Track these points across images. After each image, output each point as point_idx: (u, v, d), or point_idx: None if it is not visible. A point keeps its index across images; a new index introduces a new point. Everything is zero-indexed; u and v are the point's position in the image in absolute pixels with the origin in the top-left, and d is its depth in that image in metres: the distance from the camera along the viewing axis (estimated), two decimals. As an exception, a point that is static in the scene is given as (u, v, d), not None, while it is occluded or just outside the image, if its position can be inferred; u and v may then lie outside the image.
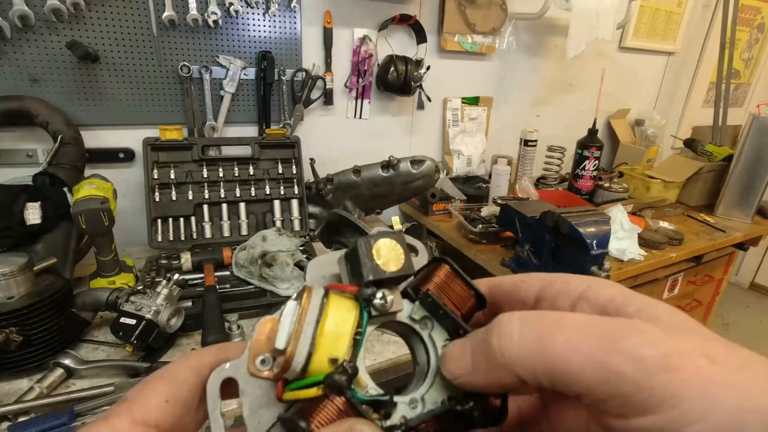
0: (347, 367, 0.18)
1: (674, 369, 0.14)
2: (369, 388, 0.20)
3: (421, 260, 0.24)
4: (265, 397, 0.19)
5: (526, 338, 0.17)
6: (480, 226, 1.28)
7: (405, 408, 0.20)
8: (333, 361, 0.18)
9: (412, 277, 0.22)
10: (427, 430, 0.20)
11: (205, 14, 1.12)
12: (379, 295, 0.20)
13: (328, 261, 0.23)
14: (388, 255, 0.20)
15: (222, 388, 0.19)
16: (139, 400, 0.19)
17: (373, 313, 0.20)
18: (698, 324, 0.17)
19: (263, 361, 0.19)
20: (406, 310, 0.22)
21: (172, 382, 0.19)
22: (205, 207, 1.14)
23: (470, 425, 0.20)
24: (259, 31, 1.22)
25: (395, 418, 0.20)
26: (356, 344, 0.19)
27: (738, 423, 0.13)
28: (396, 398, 0.20)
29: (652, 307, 0.18)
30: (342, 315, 0.19)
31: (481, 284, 0.23)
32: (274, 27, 1.23)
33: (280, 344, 0.18)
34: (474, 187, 1.62)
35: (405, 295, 0.22)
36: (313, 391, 0.18)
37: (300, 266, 0.98)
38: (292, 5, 1.22)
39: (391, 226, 1.41)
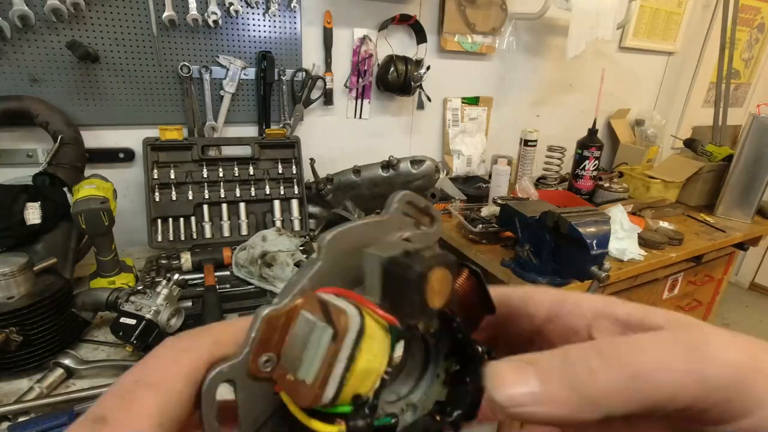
0: (369, 409, 0.17)
1: (764, 362, 0.15)
2: (379, 414, 0.19)
3: (435, 232, 0.23)
4: (261, 392, 0.18)
5: (613, 372, 0.15)
6: (480, 226, 1.28)
7: (400, 419, 0.20)
8: (356, 397, 0.17)
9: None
10: None
11: (205, 14, 1.12)
12: (421, 325, 0.18)
13: (351, 238, 0.20)
14: (438, 289, 0.17)
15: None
16: (124, 421, 0.15)
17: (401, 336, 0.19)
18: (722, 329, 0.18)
19: (267, 361, 0.17)
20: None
21: (166, 397, 0.16)
22: (205, 207, 1.14)
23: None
24: (259, 31, 1.22)
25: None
26: (382, 383, 0.18)
27: None
28: (393, 410, 0.20)
29: (673, 315, 0.17)
30: (375, 351, 0.17)
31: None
32: (274, 27, 1.23)
33: (305, 376, 0.16)
34: (474, 187, 1.62)
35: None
36: (335, 430, 0.16)
37: (300, 266, 0.98)
38: (292, 5, 1.22)
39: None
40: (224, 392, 0.17)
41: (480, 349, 0.20)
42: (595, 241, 0.94)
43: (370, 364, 0.17)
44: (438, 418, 0.20)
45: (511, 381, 0.16)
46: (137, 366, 0.17)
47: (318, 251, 0.19)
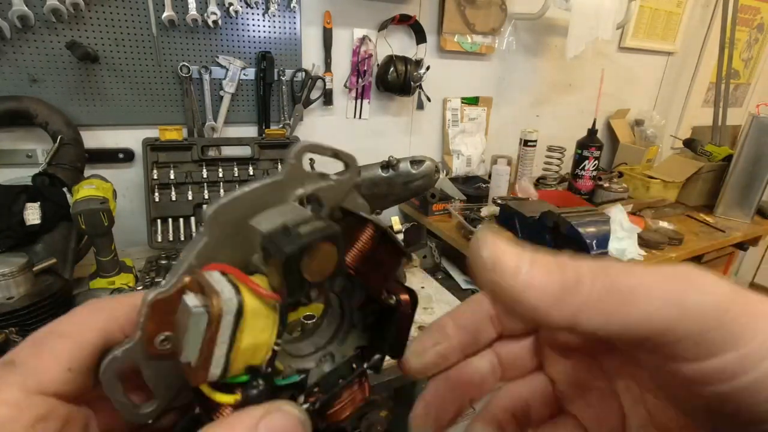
0: (263, 378, 0.17)
1: (745, 303, 0.14)
2: (287, 372, 0.19)
3: (347, 179, 0.22)
4: (173, 370, 0.17)
5: (600, 285, 0.15)
6: (480, 226, 1.28)
7: (315, 371, 0.21)
8: (249, 368, 0.17)
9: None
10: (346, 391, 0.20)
11: (205, 14, 1.12)
12: (302, 299, 0.18)
13: (241, 206, 0.19)
14: (318, 263, 0.17)
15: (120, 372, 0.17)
16: (34, 365, 0.15)
17: (292, 307, 0.19)
18: None
19: (164, 340, 0.17)
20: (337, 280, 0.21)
21: (76, 345, 0.16)
22: (205, 207, 1.14)
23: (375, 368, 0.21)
24: (259, 31, 1.22)
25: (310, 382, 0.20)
26: (274, 354, 0.18)
27: None
28: (307, 365, 0.20)
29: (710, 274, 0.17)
30: (260, 326, 0.17)
31: (485, 297, 0.23)
32: (274, 27, 1.23)
33: (190, 358, 0.16)
34: (474, 187, 1.62)
35: None
36: (231, 399, 0.17)
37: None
38: (292, 5, 1.22)
39: (391, 227, 1.41)
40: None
41: (392, 298, 0.21)
42: (594, 241, 0.94)
43: (255, 340, 0.17)
44: (354, 365, 0.21)
45: (502, 250, 0.15)
46: (53, 321, 0.17)
47: (204, 225, 0.18)
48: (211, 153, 1.19)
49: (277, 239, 0.17)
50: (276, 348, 0.18)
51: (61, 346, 0.16)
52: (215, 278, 0.17)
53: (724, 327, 0.14)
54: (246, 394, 0.17)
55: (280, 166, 1.21)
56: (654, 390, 0.18)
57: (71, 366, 0.16)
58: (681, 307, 0.14)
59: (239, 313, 0.16)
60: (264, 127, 1.28)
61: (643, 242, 1.29)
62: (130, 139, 1.17)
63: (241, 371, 0.17)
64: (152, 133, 1.13)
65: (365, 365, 0.21)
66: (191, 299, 0.16)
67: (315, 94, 1.35)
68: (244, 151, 1.21)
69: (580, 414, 0.22)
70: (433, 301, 1.08)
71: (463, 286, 1.20)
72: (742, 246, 1.67)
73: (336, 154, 0.22)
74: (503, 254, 0.15)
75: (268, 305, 0.17)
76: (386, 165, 1.25)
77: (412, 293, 0.22)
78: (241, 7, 1.16)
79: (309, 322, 0.21)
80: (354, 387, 0.21)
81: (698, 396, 0.15)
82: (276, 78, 1.26)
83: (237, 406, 0.17)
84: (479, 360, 0.23)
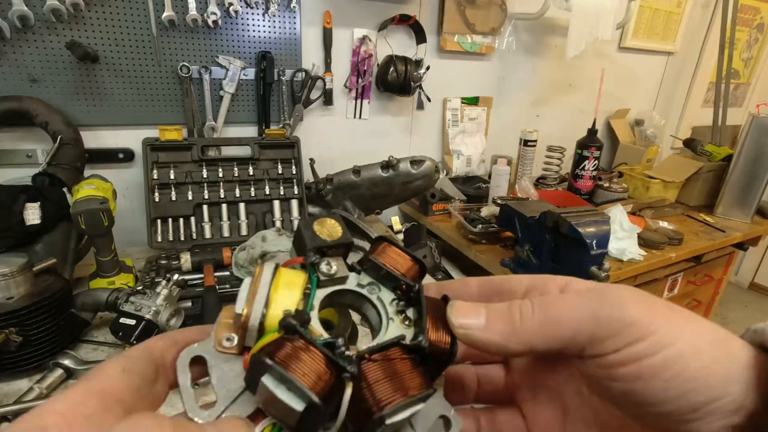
0: (300, 312, 0.20)
1: (647, 307, 0.20)
2: (323, 336, 0.21)
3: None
4: (232, 372, 0.21)
5: (537, 316, 0.21)
6: (480, 226, 1.28)
7: (365, 346, 0.22)
8: (287, 313, 0.20)
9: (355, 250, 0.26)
10: (387, 359, 0.21)
11: (205, 14, 1.12)
12: (324, 261, 0.24)
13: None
14: (326, 230, 0.24)
15: (191, 366, 0.21)
16: (96, 373, 0.19)
17: (321, 277, 0.23)
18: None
19: (228, 339, 0.21)
20: (353, 280, 0.25)
21: (127, 358, 0.20)
22: (205, 207, 1.14)
23: (422, 359, 0.22)
24: (259, 31, 1.22)
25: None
26: (306, 298, 0.22)
27: (694, 351, 0.19)
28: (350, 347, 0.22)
29: (628, 290, 0.22)
30: (291, 278, 0.22)
31: (473, 281, 0.27)
32: (274, 27, 1.23)
33: (239, 308, 0.20)
34: (474, 187, 1.62)
35: (351, 269, 0.25)
36: (273, 335, 0.20)
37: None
38: (292, 5, 1.22)
39: (391, 227, 1.41)
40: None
41: (414, 284, 0.24)
42: (594, 241, 0.94)
43: (288, 286, 0.22)
44: (402, 340, 0.23)
45: (466, 312, 0.23)
46: None
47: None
48: (211, 153, 1.19)
49: (300, 223, 0.25)
50: (307, 292, 0.22)
51: (116, 359, 0.20)
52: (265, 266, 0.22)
53: (630, 328, 0.19)
54: (282, 323, 0.19)
55: (279, 167, 1.21)
56: (598, 390, 0.23)
57: (124, 368, 0.19)
58: (596, 320, 0.20)
59: (275, 271, 0.22)
60: (264, 127, 1.28)
61: (643, 242, 1.29)
62: (130, 139, 1.17)
63: (280, 315, 0.20)
64: (152, 133, 1.13)
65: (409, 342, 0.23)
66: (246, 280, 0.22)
67: (315, 94, 1.35)
68: (244, 151, 1.21)
69: (525, 406, 0.27)
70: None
71: (463, 286, 1.20)
72: (742, 246, 1.67)
73: (352, 225, 0.29)
74: (468, 319, 0.22)
75: (298, 269, 0.23)
76: (386, 165, 1.25)
77: (420, 264, 0.26)
78: (241, 7, 1.16)
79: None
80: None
81: (620, 379, 0.20)
82: (276, 78, 1.26)
83: (281, 343, 0.19)
84: None
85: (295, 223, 1.22)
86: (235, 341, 0.21)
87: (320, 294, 0.23)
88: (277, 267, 0.22)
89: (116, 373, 0.19)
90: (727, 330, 0.20)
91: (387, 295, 0.24)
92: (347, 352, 0.20)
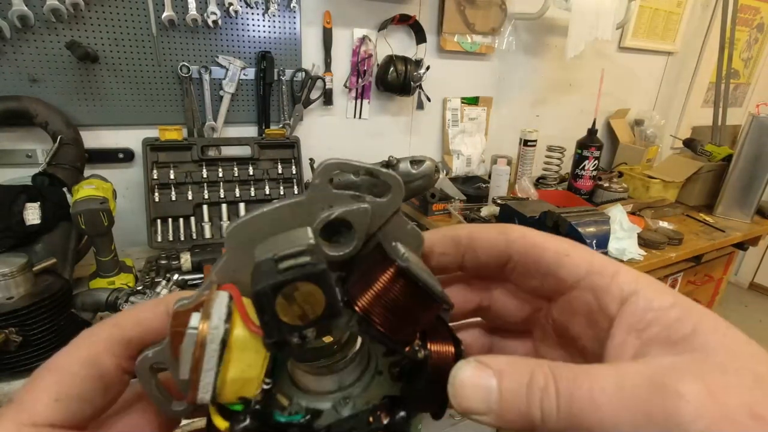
0: (254, 414, 0.17)
1: (574, 249, 0.18)
2: (292, 399, 0.18)
3: (388, 202, 0.20)
4: None
5: (562, 421, 0.15)
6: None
7: (331, 413, 0.18)
8: (242, 399, 0.17)
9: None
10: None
11: (205, 14, 1.12)
12: (294, 338, 0.17)
13: (260, 226, 0.18)
14: (297, 309, 0.16)
15: (152, 370, 0.18)
16: (27, 400, 0.17)
17: (291, 353, 0.18)
18: (754, 351, 0.16)
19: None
20: (342, 321, 0.18)
21: (62, 378, 0.17)
22: (205, 207, 1.14)
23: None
24: (259, 31, 1.22)
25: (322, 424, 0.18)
26: (267, 388, 0.17)
27: None
28: (321, 405, 0.19)
29: (706, 330, 0.16)
30: (248, 361, 0.17)
31: (515, 236, 0.21)
32: (274, 27, 1.23)
33: (183, 376, 0.16)
34: (474, 187, 1.62)
35: (344, 303, 0.18)
36: (223, 426, 0.17)
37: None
38: (292, 5, 1.22)
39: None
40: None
41: (422, 352, 0.19)
42: (594, 241, 0.94)
43: (243, 374, 0.16)
44: (371, 419, 0.18)
45: (474, 386, 0.17)
46: (51, 357, 0.18)
47: (225, 242, 0.18)
48: (211, 153, 1.19)
49: (259, 272, 0.16)
50: (265, 386, 0.17)
51: (47, 379, 0.17)
52: (219, 300, 0.16)
53: (563, 261, 0.19)
54: (234, 427, 0.17)
55: (279, 167, 1.21)
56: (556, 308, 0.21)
57: (58, 397, 0.17)
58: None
59: (223, 342, 0.16)
60: (264, 127, 1.28)
61: (643, 242, 1.29)
62: (130, 139, 1.17)
63: (235, 401, 0.17)
64: (152, 133, 1.13)
65: (385, 422, 0.18)
66: (195, 318, 0.16)
67: (315, 94, 1.35)
68: (244, 151, 1.21)
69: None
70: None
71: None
72: (741, 246, 1.67)
73: (371, 173, 0.19)
74: (472, 397, 0.17)
75: (259, 339, 0.17)
76: (386, 165, 1.25)
77: (456, 343, 0.20)
78: (241, 7, 1.16)
79: (338, 356, 0.19)
80: None
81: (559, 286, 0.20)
82: (276, 78, 1.26)
83: None
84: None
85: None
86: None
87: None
88: (227, 334, 0.16)
89: (49, 402, 0.17)
90: None
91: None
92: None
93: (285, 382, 0.20)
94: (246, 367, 0.17)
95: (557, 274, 0.20)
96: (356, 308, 0.18)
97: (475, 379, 0.17)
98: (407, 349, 0.19)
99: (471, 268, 0.23)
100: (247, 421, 0.17)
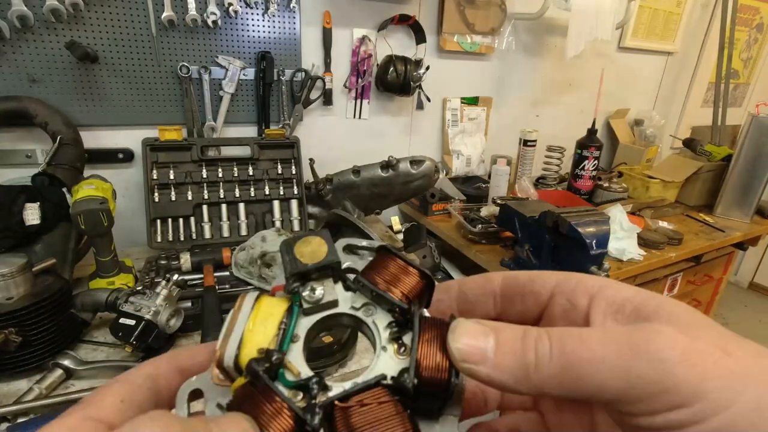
0: (269, 353, 0.19)
1: (694, 365, 0.15)
2: (301, 373, 0.20)
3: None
4: (224, 399, 0.21)
5: (555, 362, 0.17)
6: (479, 226, 1.28)
7: (340, 389, 0.20)
8: (260, 351, 0.20)
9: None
10: (369, 403, 0.19)
11: (205, 14, 1.12)
12: (307, 288, 0.22)
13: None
14: (309, 250, 0.22)
15: (191, 399, 0.21)
16: (94, 399, 0.19)
17: (305, 305, 0.21)
18: (712, 321, 0.18)
19: (223, 378, 0.21)
20: (347, 302, 0.22)
21: (129, 386, 0.20)
22: (205, 207, 1.14)
23: (412, 401, 0.19)
24: (259, 31, 1.22)
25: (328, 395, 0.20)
26: (284, 333, 0.21)
27: (758, 410, 0.15)
28: (331, 382, 0.20)
29: (668, 305, 0.18)
30: (269, 311, 0.21)
31: (496, 277, 0.24)
32: (274, 27, 1.23)
33: (217, 345, 0.20)
34: (473, 187, 1.62)
35: (348, 288, 0.23)
36: (240, 380, 0.19)
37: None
38: (292, 5, 1.22)
39: (391, 227, 1.41)
40: (198, 407, 0.21)
41: (409, 307, 0.21)
42: (594, 241, 0.94)
43: (264, 322, 0.21)
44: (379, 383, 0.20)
45: (473, 336, 0.19)
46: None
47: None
48: (211, 153, 1.19)
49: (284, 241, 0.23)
50: (283, 327, 0.21)
51: (117, 386, 0.20)
52: (249, 295, 0.22)
53: (671, 390, 0.15)
54: (249, 368, 0.19)
55: (279, 167, 1.21)
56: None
57: (123, 399, 0.19)
58: (627, 380, 0.16)
59: (257, 298, 0.21)
60: (264, 127, 1.28)
61: (643, 242, 1.29)
62: (130, 139, 1.17)
63: (254, 353, 0.20)
64: (152, 133, 1.13)
65: (389, 378, 0.20)
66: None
67: (315, 94, 1.35)
68: (244, 151, 1.21)
69: (549, 417, 0.25)
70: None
71: (463, 286, 1.20)
72: (741, 246, 1.67)
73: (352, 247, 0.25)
74: (470, 344, 0.19)
75: (282, 298, 0.22)
76: (386, 165, 1.25)
77: (427, 278, 0.23)
78: (241, 7, 1.16)
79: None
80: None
81: None
82: (276, 78, 1.26)
83: (248, 388, 0.19)
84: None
85: (296, 223, 1.22)
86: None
87: (306, 322, 0.22)
88: (259, 297, 0.21)
89: (114, 402, 0.19)
90: None
91: (383, 318, 0.22)
92: (319, 398, 0.19)
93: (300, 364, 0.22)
94: (267, 315, 0.21)
95: (532, 288, 0.23)
96: (358, 277, 0.22)
97: (475, 328, 0.19)
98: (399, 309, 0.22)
99: (464, 310, 0.25)
100: (267, 359, 0.19)
